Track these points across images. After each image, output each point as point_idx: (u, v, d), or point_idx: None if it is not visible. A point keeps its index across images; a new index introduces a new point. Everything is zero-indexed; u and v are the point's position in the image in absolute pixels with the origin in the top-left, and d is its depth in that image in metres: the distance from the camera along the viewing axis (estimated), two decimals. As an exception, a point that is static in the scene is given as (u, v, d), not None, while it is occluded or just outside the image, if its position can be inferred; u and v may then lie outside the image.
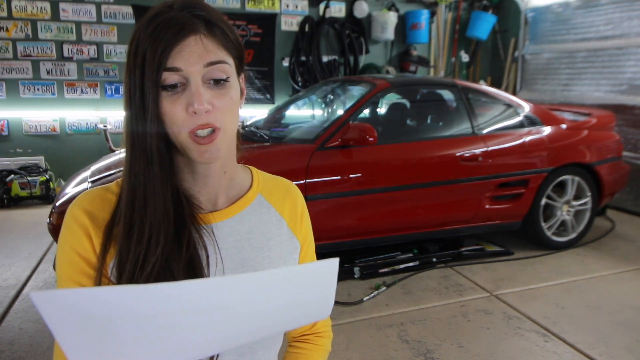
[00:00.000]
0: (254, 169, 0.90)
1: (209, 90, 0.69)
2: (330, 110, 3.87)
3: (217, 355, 0.73)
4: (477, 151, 3.15)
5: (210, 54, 0.68)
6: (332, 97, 3.88)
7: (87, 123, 4.89)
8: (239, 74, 0.76)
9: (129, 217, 0.70)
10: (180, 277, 0.70)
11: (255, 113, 4.82)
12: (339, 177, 2.82)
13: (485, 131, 3.28)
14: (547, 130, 3.44)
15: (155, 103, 0.67)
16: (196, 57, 0.67)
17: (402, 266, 3.08)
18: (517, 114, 3.49)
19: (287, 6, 5.44)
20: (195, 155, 0.70)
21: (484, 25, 6.00)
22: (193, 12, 0.69)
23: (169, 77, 0.67)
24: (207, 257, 0.74)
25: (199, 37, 0.68)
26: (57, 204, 2.52)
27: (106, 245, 0.71)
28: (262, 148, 2.88)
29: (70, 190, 2.67)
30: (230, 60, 0.72)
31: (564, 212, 3.48)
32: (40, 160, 4.76)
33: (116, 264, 0.70)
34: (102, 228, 0.72)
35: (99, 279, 0.70)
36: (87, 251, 0.71)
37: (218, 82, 0.69)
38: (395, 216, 3.00)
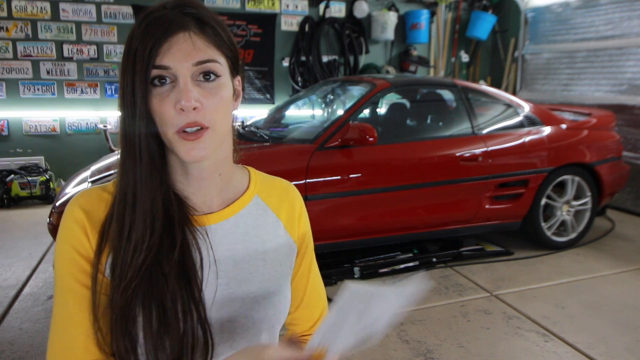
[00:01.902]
0: (252, 169, 0.89)
1: (198, 88, 0.68)
2: (330, 110, 3.87)
3: (211, 358, 0.73)
4: (477, 151, 3.15)
5: (200, 52, 0.68)
6: (332, 97, 3.88)
7: (87, 123, 4.89)
8: (233, 75, 0.75)
9: (121, 214, 0.71)
10: (172, 279, 0.70)
11: (255, 113, 4.82)
12: (339, 177, 2.82)
13: (485, 131, 3.28)
14: (547, 130, 3.44)
15: (144, 100, 0.68)
16: (184, 54, 0.67)
17: (402, 266, 3.08)
18: (517, 114, 3.49)
19: (287, 6, 5.44)
20: (182, 153, 0.69)
21: (483, 25, 6.00)
22: (184, 10, 0.69)
23: (158, 74, 0.67)
24: (201, 259, 0.74)
25: (187, 34, 0.68)
26: (57, 204, 2.52)
27: (102, 244, 0.71)
28: (262, 148, 2.88)
29: (70, 190, 2.67)
30: (222, 60, 0.71)
31: (564, 212, 3.48)
32: (40, 160, 4.76)
33: (110, 262, 0.71)
34: (99, 226, 0.72)
35: (96, 277, 0.71)
36: (86, 249, 0.72)
37: (208, 79, 0.69)
38: (395, 216, 3.00)
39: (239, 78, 0.78)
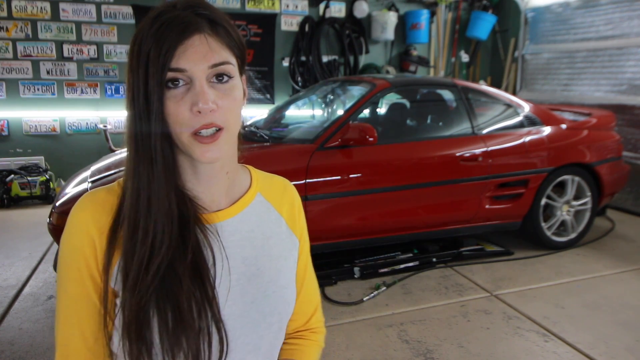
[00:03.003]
0: (251, 168, 0.90)
1: (213, 89, 0.69)
2: (330, 110, 3.87)
3: (226, 354, 0.74)
4: (477, 151, 3.15)
5: (215, 54, 0.68)
6: (332, 97, 3.88)
7: (87, 123, 4.89)
8: (241, 74, 0.76)
9: (134, 218, 0.70)
10: (186, 279, 0.70)
11: (255, 113, 4.82)
12: (339, 177, 2.82)
13: (485, 131, 3.28)
14: (547, 130, 3.44)
15: (160, 103, 0.67)
16: (200, 56, 0.67)
17: (402, 266, 3.08)
18: (517, 114, 3.49)
19: (287, 6, 5.44)
20: (197, 154, 0.70)
21: (483, 25, 6.00)
22: (197, 11, 0.69)
23: (173, 76, 0.67)
24: (213, 256, 0.74)
25: (203, 36, 0.68)
26: (57, 204, 2.52)
27: (110, 250, 0.71)
28: (262, 148, 2.88)
29: (70, 190, 2.67)
30: (234, 60, 0.72)
31: (564, 212, 3.48)
32: (40, 160, 4.76)
33: (121, 266, 0.70)
34: (106, 231, 0.71)
35: (106, 286, 0.71)
36: (94, 256, 0.72)
37: (221, 80, 0.69)
38: (395, 216, 3.00)
39: (244, 77, 0.78)
